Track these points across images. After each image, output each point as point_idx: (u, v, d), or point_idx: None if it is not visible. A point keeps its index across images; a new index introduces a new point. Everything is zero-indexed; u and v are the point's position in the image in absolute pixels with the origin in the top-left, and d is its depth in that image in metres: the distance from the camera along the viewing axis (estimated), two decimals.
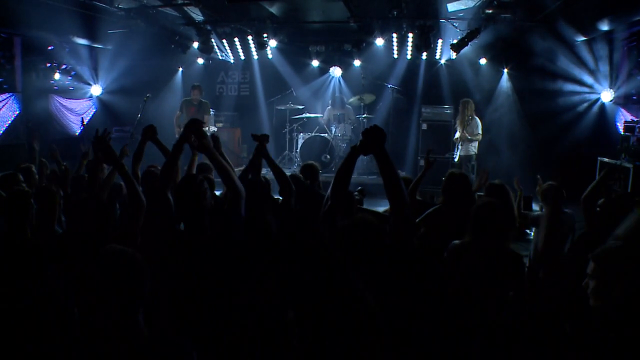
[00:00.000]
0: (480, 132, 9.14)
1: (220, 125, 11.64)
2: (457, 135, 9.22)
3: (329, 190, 3.09)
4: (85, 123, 10.70)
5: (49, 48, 10.08)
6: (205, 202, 3.03)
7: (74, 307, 2.63)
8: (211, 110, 11.54)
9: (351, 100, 11.23)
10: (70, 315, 2.61)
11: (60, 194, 3.91)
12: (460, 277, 3.09)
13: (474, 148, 9.20)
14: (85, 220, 3.00)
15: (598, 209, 3.83)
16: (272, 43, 11.03)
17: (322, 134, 10.79)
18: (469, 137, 9.07)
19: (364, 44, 10.91)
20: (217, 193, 4.62)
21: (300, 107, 11.28)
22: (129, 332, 2.00)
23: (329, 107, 11.42)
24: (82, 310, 2.48)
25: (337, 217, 3.03)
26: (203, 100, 10.29)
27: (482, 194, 6.07)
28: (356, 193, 5.20)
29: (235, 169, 3.89)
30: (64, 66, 10.66)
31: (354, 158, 2.98)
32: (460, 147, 9.20)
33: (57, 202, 3.48)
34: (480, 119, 9.25)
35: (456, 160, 9.31)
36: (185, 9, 9.71)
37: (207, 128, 9.78)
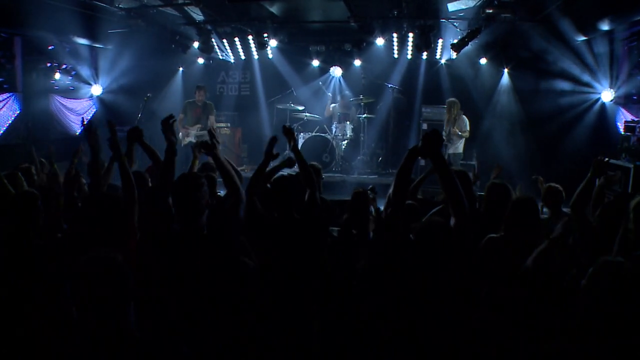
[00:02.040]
0: (468, 129, 9.33)
1: (221, 125, 11.65)
2: (444, 134, 9.36)
3: (389, 191, 3.19)
4: (85, 123, 10.68)
5: (50, 48, 10.06)
6: (202, 200, 3.03)
7: (72, 307, 2.63)
8: None
9: (352, 100, 11.23)
10: (70, 316, 2.61)
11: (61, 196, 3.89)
12: (495, 269, 3.17)
13: (461, 146, 9.43)
14: (91, 218, 3.01)
15: (598, 211, 3.78)
16: (273, 43, 11.02)
17: (323, 134, 10.78)
18: (459, 134, 9.27)
19: (364, 44, 10.89)
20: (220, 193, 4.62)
21: (301, 107, 11.25)
22: (117, 334, 2.01)
23: (334, 104, 11.36)
24: (78, 312, 2.49)
25: (401, 220, 3.14)
26: (207, 101, 10.11)
27: (482, 193, 6.11)
28: (369, 192, 5.24)
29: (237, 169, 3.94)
30: (64, 66, 10.63)
31: (412, 159, 3.10)
32: (448, 145, 9.38)
33: (60, 204, 3.48)
34: (480, 118, 9.32)
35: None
36: (186, 8, 9.72)
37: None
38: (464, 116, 9.35)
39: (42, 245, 3.06)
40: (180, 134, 9.72)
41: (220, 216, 3.11)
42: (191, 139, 9.57)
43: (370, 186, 5.51)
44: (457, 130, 9.24)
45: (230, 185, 3.17)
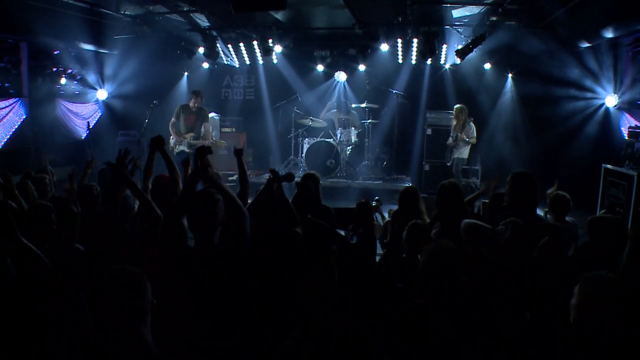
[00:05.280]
0: (475, 135, 9.51)
1: (226, 130, 11.67)
2: (450, 140, 9.61)
3: None
4: (90, 127, 10.75)
5: (55, 53, 10.13)
6: (217, 216, 3.05)
7: (89, 322, 2.67)
8: (216, 115, 11.57)
9: (355, 105, 11.26)
10: (86, 331, 2.65)
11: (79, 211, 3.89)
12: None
13: (466, 151, 9.58)
14: (101, 235, 3.04)
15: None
16: (278, 48, 11.04)
17: (327, 139, 10.80)
18: (467, 140, 9.43)
19: (369, 50, 10.87)
20: None
21: (306, 114, 11.28)
22: (135, 348, 2.04)
23: (334, 109, 11.43)
24: (96, 326, 2.52)
25: None
26: (203, 107, 9.75)
27: (486, 200, 6.15)
28: (373, 202, 5.35)
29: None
30: (70, 71, 10.69)
31: None
32: (454, 150, 9.57)
33: (78, 221, 3.51)
34: (484, 123, 9.37)
35: (449, 164, 9.73)
36: (191, 15, 9.75)
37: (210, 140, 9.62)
38: (472, 123, 9.49)
39: (56, 259, 3.08)
40: (172, 139, 9.47)
41: (229, 234, 3.13)
42: (184, 147, 9.33)
43: (377, 197, 5.65)
44: (465, 137, 9.40)
45: (232, 205, 3.19)
